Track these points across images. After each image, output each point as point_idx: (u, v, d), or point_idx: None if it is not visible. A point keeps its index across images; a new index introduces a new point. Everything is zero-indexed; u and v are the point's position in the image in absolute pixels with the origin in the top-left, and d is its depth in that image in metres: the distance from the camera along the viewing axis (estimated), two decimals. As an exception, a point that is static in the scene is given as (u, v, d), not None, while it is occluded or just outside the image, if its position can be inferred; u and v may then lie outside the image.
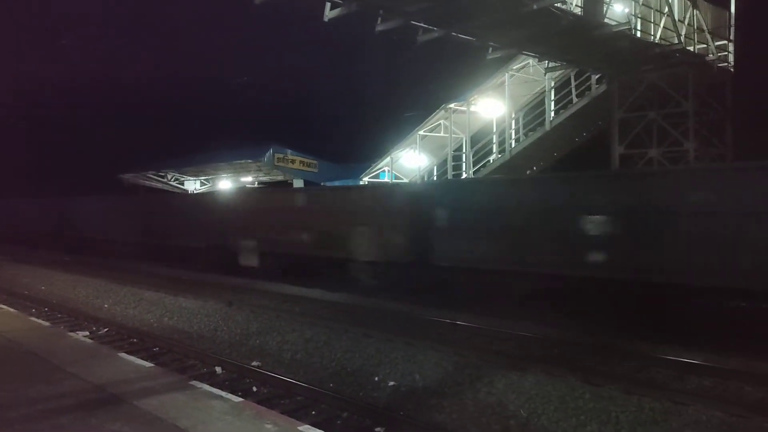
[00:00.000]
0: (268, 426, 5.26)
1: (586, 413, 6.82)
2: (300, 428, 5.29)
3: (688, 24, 16.23)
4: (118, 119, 43.26)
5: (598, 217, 10.94)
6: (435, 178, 23.09)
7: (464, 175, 21.32)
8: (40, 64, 46.21)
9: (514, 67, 19.90)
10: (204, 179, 34.01)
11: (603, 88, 17.98)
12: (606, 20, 13.99)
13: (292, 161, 27.13)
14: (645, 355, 8.81)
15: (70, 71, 41.58)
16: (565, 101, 19.31)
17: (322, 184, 26.07)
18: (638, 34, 15.37)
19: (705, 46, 16.91)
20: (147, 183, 34.04)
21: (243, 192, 26.31)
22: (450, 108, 21.60)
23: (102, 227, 26.94)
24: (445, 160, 22.27)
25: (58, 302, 14.62)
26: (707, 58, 16.72)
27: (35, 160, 44.87)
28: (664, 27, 15.46)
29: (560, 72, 18.79)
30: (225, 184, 32.55)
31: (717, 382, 7.79)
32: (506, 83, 20.09)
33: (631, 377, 8.04)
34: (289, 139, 28.60)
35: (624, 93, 16.96)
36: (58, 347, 8.10)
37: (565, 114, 19.04)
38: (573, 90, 18.92)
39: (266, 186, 31.68)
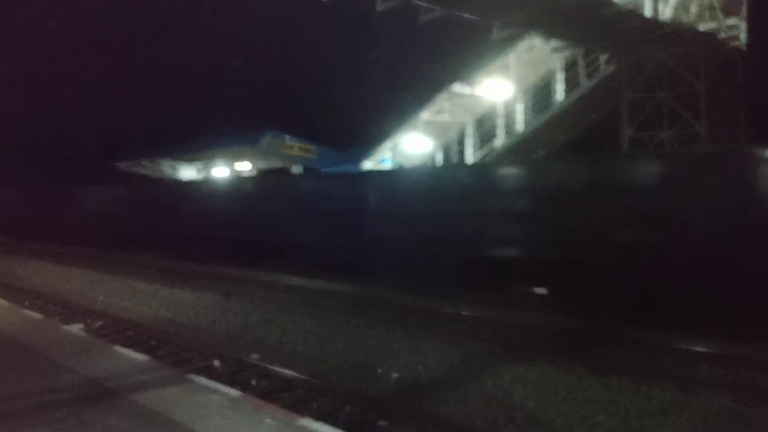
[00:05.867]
0: (268, 420, 5.17)
1: (594, 404, 6.70)
2: (300, 422, 5.18)
3: (698, 2, 15.82)
4: (111, 106, 42.89)
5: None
6: (439, 163, 22.86)
7: (469, 159, 21.10)
8: (31, 49, 45.88)
9: (520, 48, 19.48)
10: (200, 166, 33.78)
11: (612, 68, 17.65)
12: (614, -2, 13.64)
13: (291, 147, 26.77)
14: (654, 345, 8.64)
15: (62, 56, 41.27)
16: (572, 82, 18.97)
17: (322, 170, 25.85)
18: (648, 12, 14.98)
19: (716, 24, 16.53)
20: (141, 171, 33.83)
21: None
22: (454, 91, 21.23)
23: (96, 217, 26.94)
24: (449, 145, 21.99)
25: (52, 294, 14.46)
26: (718, 37, 16.35)
27: (28, 149, 44.65)
28: (673, 5, 15.06)
29: (567, 52, 18.42)
30: (221, 171, 32.28)
31: (728, 371, 7.67)
32: (512, 64, 19.69)
33: (640, 367, 7.91)
34: (288, 125, 28.18)
35: (633, 73, 16.64)
36: (53, 340, 8.01)
37: (573, 95, 18.74)
38: (581, 70, 18.56)
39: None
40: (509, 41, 18.31)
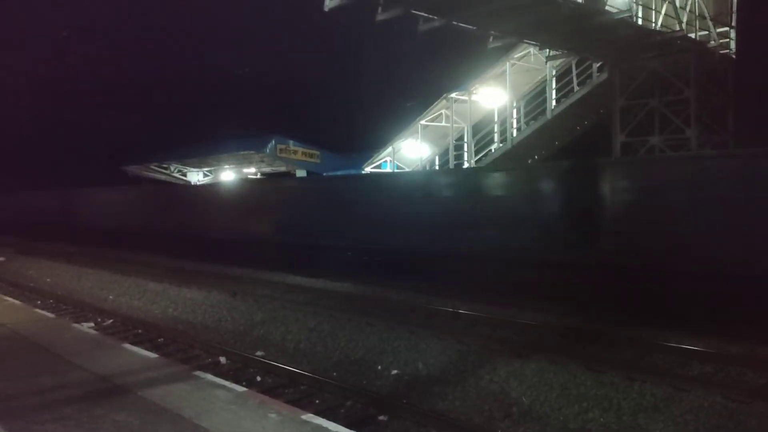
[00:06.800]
0: (272, 415, 5.27)
1: (588, 400, 6.83)
2: (303, 417, 5.28)
3: (689, 11, 16.10)
4: (120, 111, 43.09)
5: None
6: (437, 168, 23.09)
7: (466, 165, 21.31)
8: (42, 55, 46.09)
9: (515, 56, 19.76)
10: (207, 171, 34.03)
11: (604, 76, 17.90)
12: (607, 8, 13.89)
13: (295, 152, 27.08)
14: (647, 342, 8.80)
15: (72, 62, 41.46)
16: (566, 90, 19.23)
17: (324, 174, 26.13)
18: (640, 21, 15.25)
19: (707, 32, 16.79)
20: (150, 174, 34.06)
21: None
22: (451, 97, 21.50)
23: (105, 218, 27.14)
24: (447, 150, 22.22)
25: (63, 294, 14.63)
26: (709, 45, 16.61)
27: (38, 152, 44.85)
28: (665, 14, 15.33)
29: (561, 60, 18.68)
30: (228, 176, 32.56)
31: (719, 368, 7.79)
32: (507, 72, 19.97)
33: (632, 364, 8.04)
34: (292, 130, 28.43)
35: (625, 81, 16.85)
36: (63, 339, 8.11)
37: (567, 102, 18.96)
38: (574, 78, 18.83)
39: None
40: (505, 50, 18.58)
